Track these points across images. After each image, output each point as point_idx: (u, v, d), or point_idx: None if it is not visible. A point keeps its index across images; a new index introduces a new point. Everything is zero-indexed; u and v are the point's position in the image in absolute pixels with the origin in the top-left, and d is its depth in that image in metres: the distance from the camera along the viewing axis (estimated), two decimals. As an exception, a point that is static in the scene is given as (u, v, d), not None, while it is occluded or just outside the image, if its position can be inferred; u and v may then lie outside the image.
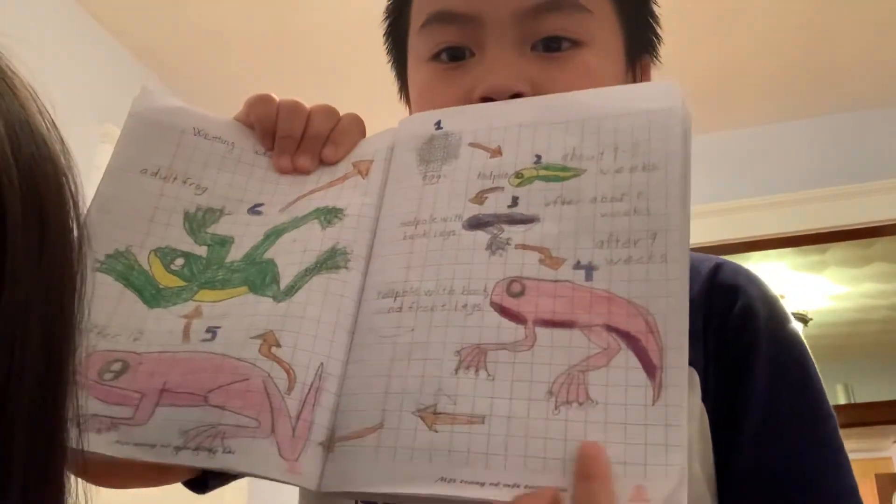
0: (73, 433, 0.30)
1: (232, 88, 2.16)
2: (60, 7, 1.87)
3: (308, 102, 0.57)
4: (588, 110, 0.49)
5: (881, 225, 2.32)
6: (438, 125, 0.52)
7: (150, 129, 0.53)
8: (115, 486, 0.51)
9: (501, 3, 0.56)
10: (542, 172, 0.48)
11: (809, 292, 3.18)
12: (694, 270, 0.51)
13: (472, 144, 0.50)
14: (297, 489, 0.64)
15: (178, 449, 0.42)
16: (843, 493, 0.52)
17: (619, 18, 0.60)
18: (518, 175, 0.48)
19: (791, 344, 0.55)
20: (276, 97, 0.55)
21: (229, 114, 0.57)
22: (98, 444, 0.42)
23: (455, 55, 0.59)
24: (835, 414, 0.54)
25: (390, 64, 0.70)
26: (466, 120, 0.52)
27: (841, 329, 3.54)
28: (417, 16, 0.61)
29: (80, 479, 0.31)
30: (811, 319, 3.26)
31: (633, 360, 0.40)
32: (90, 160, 1.82)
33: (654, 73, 0.66)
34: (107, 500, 0.44)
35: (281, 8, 1.97)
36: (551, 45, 0.57)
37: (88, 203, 0.31)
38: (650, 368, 0.40)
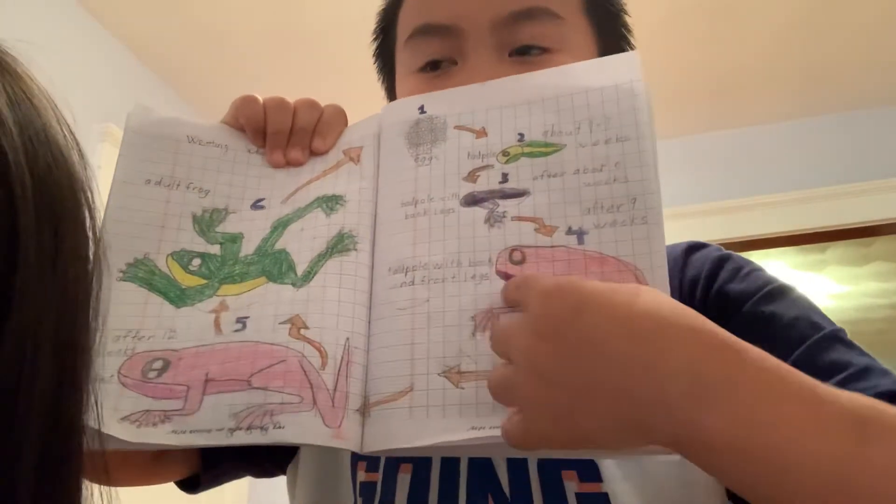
0: (89, 440, 0.30)
1: (232, 87, 2.16)
2: (60, 6, 1.87)
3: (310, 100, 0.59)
4: (560, 87, 0.53)
5: (881, 224, 2.32)
6: (422, 109, 0.56)
7: (147, 142, 0.55)
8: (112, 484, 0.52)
9: (480, 13, 0.61)
10: (527, 149, 0.52)
11: (810, 291, 3.17)
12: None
13: (457, 127, 0.54)
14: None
15: (231, 430, 0.45)
16: (829, 332, 0.52)
17: (591, 27, 0.64)
18: (505, 153, 0.52)
19: (730, 261, 0.60)
20: (261, 97, 0.58)
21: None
22: (155, 435, 0.45)
23: (439, 66, 0.63)
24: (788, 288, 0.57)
25: (380, 80, 0.74)
26: (448, 104, 0.56)
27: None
28: (403, 31, 0.66)
29: (100, 488, 0.31)
30: (811, 318, 3.25)
31: None
32: (90, 159, 1.82)
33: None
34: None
35: (282, 6, 1.96)
36: (525, 52, 0.61)
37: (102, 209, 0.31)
38: None
